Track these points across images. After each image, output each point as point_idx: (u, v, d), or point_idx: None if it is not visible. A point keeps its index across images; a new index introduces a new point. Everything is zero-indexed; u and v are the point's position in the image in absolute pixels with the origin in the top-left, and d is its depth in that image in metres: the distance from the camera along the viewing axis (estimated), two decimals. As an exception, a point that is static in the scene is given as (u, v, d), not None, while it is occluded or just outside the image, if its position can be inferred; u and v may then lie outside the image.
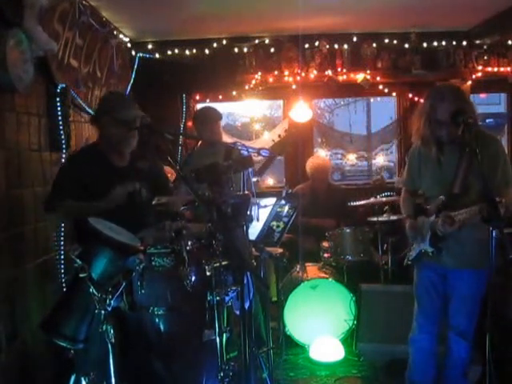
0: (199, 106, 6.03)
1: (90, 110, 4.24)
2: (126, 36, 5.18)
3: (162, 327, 2.61)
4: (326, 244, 4.78)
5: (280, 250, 3.76)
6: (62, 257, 3.61)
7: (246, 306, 2.58)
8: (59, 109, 3.64)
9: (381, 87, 5.89)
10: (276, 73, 5.73)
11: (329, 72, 5.72)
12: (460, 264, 2.97)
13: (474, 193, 2.82)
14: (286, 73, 5.72)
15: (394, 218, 4.59)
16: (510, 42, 5.69)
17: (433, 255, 2.98)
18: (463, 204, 2.78)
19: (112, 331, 2.16)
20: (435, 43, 5.76)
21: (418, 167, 3.13)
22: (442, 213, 2.78)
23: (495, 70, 5.79)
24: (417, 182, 3.18)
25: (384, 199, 4.98)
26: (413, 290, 3.22)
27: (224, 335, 2.59)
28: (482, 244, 2.82)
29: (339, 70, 5.75)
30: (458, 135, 2.83)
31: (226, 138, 5.59)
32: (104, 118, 3.00)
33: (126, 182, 2.87)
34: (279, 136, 6.07)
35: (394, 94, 6.11)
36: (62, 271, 3.61)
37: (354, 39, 5.72)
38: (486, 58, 5.80)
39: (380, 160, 11.94)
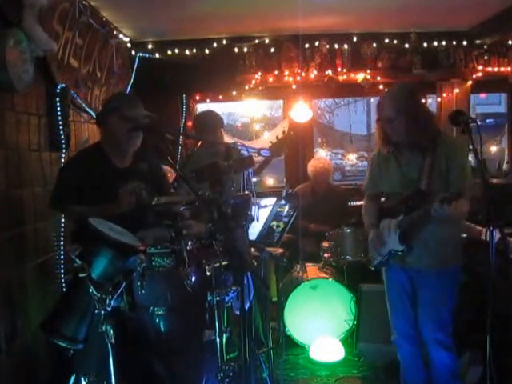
0: (199, 106, 6.03)
1: (89, 110, 4.24)
2: (126, 36, 5.18)
3: (162, 327, 2.60)
4: (326, 244, 4.77)
5: (280, 250, 3.76)
6: (62, 257, 3.60)
7: (247, 306, 2.58)
8: (59, 109, 3.63)
9: (381, 87, 5.88)
10: (276, 73, 5.72)
11: (329, 72, 5.71)
12: (424, 264, 2.95)
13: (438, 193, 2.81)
14: (286, 73, 5.71)
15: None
16: (510, 42, 5.68)
17: (402, 254, 2.95)
18: (429, 201, 2.76)
19: (112, 331, 2.16)
20: (435, 43, 5.75)
21: (379, 170, 3.15)
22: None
23: (495, 69, 5.78)
24: (378, 185, 3.19)
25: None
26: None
27: (224, 335, 2.59)
28: (445, 243, 2.88)
29: (339, 69, 5.74)
30: (416, 136, 2.88)
31: (226, 138, 5.57)
32: (111, 116, 2.96)
33: (126, 183, 2.87)
34: (277, 137, 6.06)
35: (394, 94, 6.10)
36: (62, 271, 3.60)
37: (354, 39, 5.72)
38: (486, 57, 5.79)
39: (380, 160, 11.92)
